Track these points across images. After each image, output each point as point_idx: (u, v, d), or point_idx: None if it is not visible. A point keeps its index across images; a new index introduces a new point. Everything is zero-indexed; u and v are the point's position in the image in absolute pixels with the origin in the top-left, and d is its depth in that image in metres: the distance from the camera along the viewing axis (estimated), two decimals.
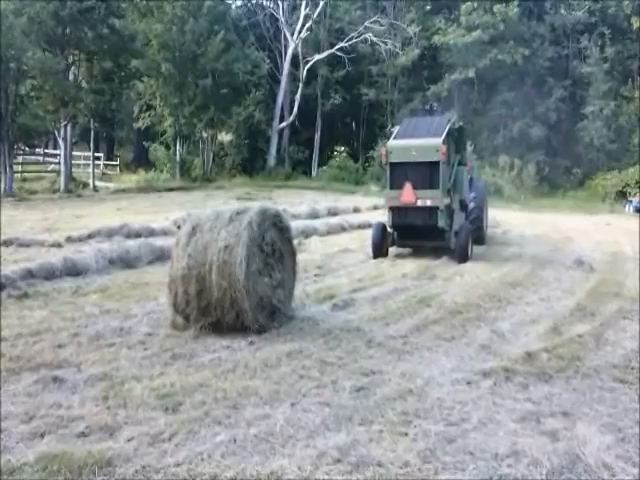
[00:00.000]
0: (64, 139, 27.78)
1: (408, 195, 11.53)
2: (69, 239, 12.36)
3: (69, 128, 27.89)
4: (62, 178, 27.64)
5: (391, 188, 11.89)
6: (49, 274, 9.15)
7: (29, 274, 8.88)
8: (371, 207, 22.61)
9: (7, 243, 11.64)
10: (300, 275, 8.14)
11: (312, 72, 38.64)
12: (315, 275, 10.07)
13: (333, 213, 19.66)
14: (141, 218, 16.13)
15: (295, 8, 40.20)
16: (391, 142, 12.05)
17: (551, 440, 4.20)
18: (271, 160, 38.69)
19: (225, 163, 38.10)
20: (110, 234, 12.87)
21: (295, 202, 22.20)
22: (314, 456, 3.89)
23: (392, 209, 12.01)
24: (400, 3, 39.79)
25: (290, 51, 38.44)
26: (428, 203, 11.51)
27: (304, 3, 38.38)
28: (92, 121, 31.13)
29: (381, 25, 37.05)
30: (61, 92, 25.66)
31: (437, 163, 11.45)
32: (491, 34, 36.02)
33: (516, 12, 35.82)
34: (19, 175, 30.98)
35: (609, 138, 35.04)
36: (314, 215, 18.57)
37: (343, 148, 41.89)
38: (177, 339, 6.38)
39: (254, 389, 4.98)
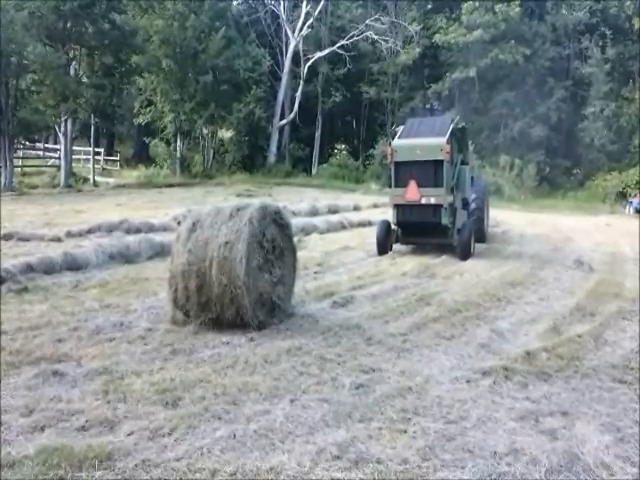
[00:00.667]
0: (64, 134, 27.75)
1: (412, 193, 11.80)
2: (69, 234, 12.36)
3: (69, 123, 27.86)
4: (62, 173, 27.63)
5: (396, 186, 12.12)
6: (49, 268, 9.15)
7: (29, 268, 8.89)
8: (371, 205, 22.65)
9: (7, 237, 11.65)
10: (300, 272, 8.16)
11: (313, 69, 38.62)
12: (315, 272, 10.08)
13: (333, 211, 19.67)
14: (141, 214, 16.13)
15: (296, 5, 40.15)
16: (396, 141, 12.29)
17: (550, 439, 4.21)
18: (271, 157, 38.68)
19: (225, 160, 38.10)
20: (110, 229, 12.87)
21: (295, 199, 22.18)
22: (313, 452, 3.90)
23: (397, 206, 12.23)
24: (401, 2, 39.76)
25: (291, 48, 38.41)
26: (432, 201, 11.76)
27: (305, 0, 38.35)
28: (92, 116, 31.11)
29: (382, 23, 37.02)
30: (62, 87, 25.63)
31: (441, 162, 11.71)
32: (492, 33, 35.99)
33: (517, 12, 35.80)
34: (19, 169, 30.97)
35: (610, 139, 35.04)
36: (314, 212, 18.59)
37: (343, 146, 41.95)
38: (177, 334, 6.39)
39: (254, 385, 4.99)
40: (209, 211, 7.04)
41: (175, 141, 34.90)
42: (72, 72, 27.76)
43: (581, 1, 37.27)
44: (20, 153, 34.55)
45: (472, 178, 14.12)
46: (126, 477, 3.59)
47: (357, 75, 39.62)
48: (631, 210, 28.34)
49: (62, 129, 27.86)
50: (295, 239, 7.73)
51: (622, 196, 31.51)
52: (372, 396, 4.87)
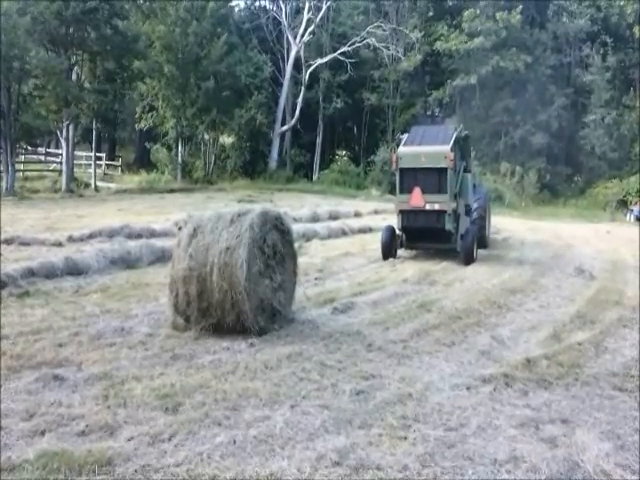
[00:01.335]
0: (66, 139, 27.77)
1: (417, 199, 12.09)
2: (70, 239, 12.36)
3: (71, 128, 27.88)
4: (64, 178, 27.62)
5: (401, 192, 12.42)
6: (50, 273, 9.16)
7: (30, 273, 8.89)
8: (372, 211, 22.67)
9: (8, 242, 11.64)
10: (301, 278, 8.17)
11: (314, 76, 38.71)
12: (316, 278, 10.08)
13: (334, 217, 19.67)
14: (142, 219, 16.14)
15: (298, 12, 40.29)
16: (401, 149, 12.55)
17: (550, 447, 4.21)
18: (272, 163, 38.73)
19: (226, 165, 38.12)
20: (111, 234, 12.86)
21: (296, 205, 22.21)
22: (313, 458, 3.90)
23: (402, 212, 12.51)
24: (403, 9, 39.88)
25: (292, 54, 38.52)
26: (436, 207, 12.06)
27: (307, 7, 38.47)
28: (94, 121, 31.14)
29: (384, 30, 37.13)
30: (64, 92, 25.65)
31: (445, 169, 12.00)
32: (493, 41, 36.13)
33: (519, 19, 35.93)
34: (21, 174, 30.96)
35: (610, 147, 35.11)
36: (315, 218, 18.60)
37: (344, 152, 41.97)
38: (177, 340, 6.39)
39: (254, 391, 4.99)
40: (210, 216, 7.05)
41: (176, 146, 34.92)
42: (74, 77, 27.79)
43: (582, 9, 37.39)
44: (22, 158, 34.56)
45: (474, 185, 14.32)
46: None
47: (358, 81, 39.71)
48: (632, 218, 28.35)
49: (64, 134, 27.88)
50: (296, 245, 7.75)
51: (623, 204, 31.55)
52: (372, 402, 4.87)
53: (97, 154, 33.74)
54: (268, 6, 42.43)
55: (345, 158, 40.71)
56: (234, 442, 4.09)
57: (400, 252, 13.10)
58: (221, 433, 4.22)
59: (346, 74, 37.97)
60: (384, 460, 3.92)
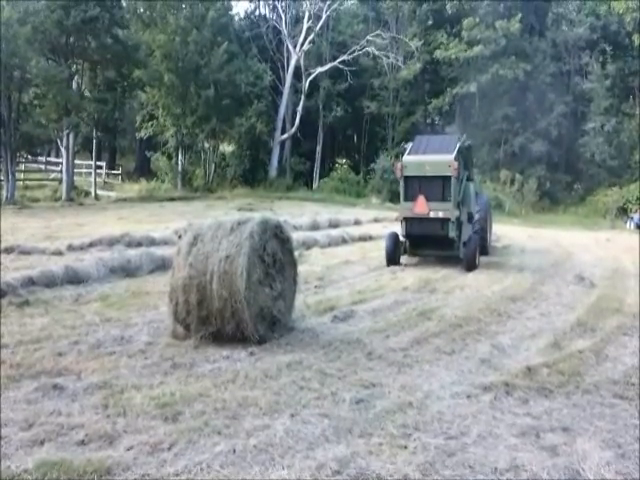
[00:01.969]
0: (66, 147, 27.84)
1: (421, 207, 12.36)
2: (70, 247, 12.36)
3: (71, 137, 27.94)
4: (64, 186, 27.66)
5: (405, 200, 12.69)
6: (50, 282, 9.14)
7: (30, 282, 8.88)
8: (372, 219, 22.68)
9: (8, 250, 11.63)
10: (301, 286, 8.16)
11: (314, 84, 38.84)
12: (316, 286, 10.08)
13: (334, 225, 19.68)
14: (142, 227, 16.15)
15: (298, 21, 40.46)
16: (406, 157, 12.83)
17: (551, 455, 4.20)
18: (272, 171, 38.79)
19: (226, 174, 38.19)
20: (111, 243, 12.87)
21: (296, 213, 22.22)
22: (313, 467, 3.89)
23: (406, 220, 12.74)
24: (402, 17, 40.05)
25: (292, 63, 38.65)
26: (440, 215, 12.32)
27: (307, 16, 38.66)
28: (94, 130, 31.23)
29: (383, 39, 37.26)
30: (64, 101, 25.74)
31: (449, 178, 12.25)
32: (493, 49, 36.23)
33: (518, 28, 36.03)
34: (21, 183, 31.01)
35: (610, 154, 35.15)
36: (315, 227, 18.60)
37: (344, 160, 42.08)
38: (177, 348, 6.38)
39: (254, 399, 4.98)
40: (210, 225, 7.05)
41: (177, 155, 35.00)
42: (75, 86, 27.89)
43: (581, 17, 37.53)
44: (22, 166, 34.63)
45: (476, 193, 14.52)
46: None
47: (358, 90, 39.84)
48: (632, 225, 28.35)
49: (64, 143, 27.94)
50: (296, 253, 7.74)
51: (623, 211, 31.56)
52: (372, 411, 4.86)
53: (97, 163, 33.80)
54: (268, 15, 42.63)
55: (345, 166, 40.82)
56: (234, 451, 4.08)
57: (402, 259, 13.17)
58: (221, 442, 4.21)
59: (346, 82, 38.11)
60: (384, 469, 3.91)
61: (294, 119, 38.91)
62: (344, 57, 37.58)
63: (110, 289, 9.34)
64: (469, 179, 13.79)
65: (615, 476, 3.91)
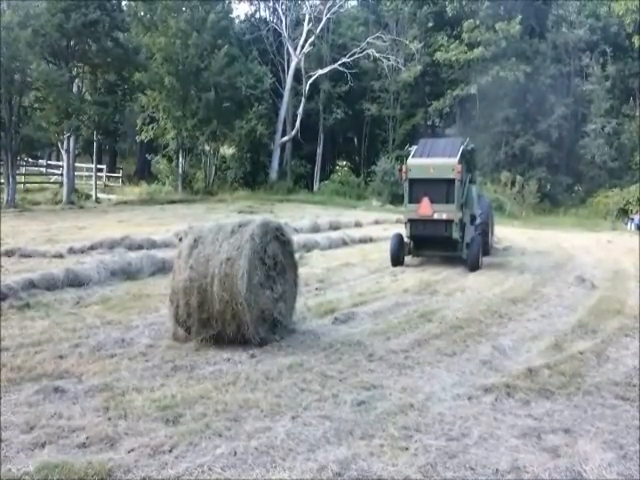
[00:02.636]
0: (67, 151, 27.88)
1: (426, 208, 12.58)
2: (71, 250, 12.36)
3: (72, 140, 27.99)
4: (64, 189, 27.71)
5: (410, 202, 12.91)
6: (51, 285, 9.13)
7: (31, 284, 8.88)
8: (372, 222, 22.69)
9: (9, 253, 11.65)
10: (301, 288, 8.16)
11: (315, 87, 38.87)
12: (316, 289, 10.08)
13: (335, 227, 19.69)
14: (143, 230, 16.16)
15: (298, 23, 40.51)
16: (410, 160, 13.03)
17: (552, 457, 4.19)
18: (273, 174, 38.80)
19: (227, 176, 38.22)
20: (112, 246, 12.87)
21: (297, 216, 22.23)
22: (314, 469, 3.88)
23: (410, 221, 13.00)
24: (403, 20, 40.09)
25: (293, 66, 38.69)
26: (444, 216, 12.56)
27: (307, 18, 38.72)
28: (95, 133, 31.27)
29: (383, 41, 37.30)
30: (65, 104, 25.77)
31: (453, 180, 12.50)
32: (493, 51, 36.27)
33: (518, 30, 36.06)
34: (22, 186, 31.07)
35: (611, 156, 35.15)
36: (315, 229, 18.60)
37: (345, 163, 42.10)
38: (178, 351, 6.38)
39: (255, 402, 4.98)
40: (211, 227, 7.05)
41: (177, 158, 35.01)
42: (75, 89, 27.93)
43: (581, 19, 37.56)
44: (23, 170, 34.66)
45: (478, 196, 14.82)
46: None
47: (359, 92, 39.87)
48: (633, 227, 28.32)
49: (65, 146, 27.98)
50: (296, 255, 7.74)
51: (623, 213, 31.54)
52: (373, 413, 4.86)
53: (98, 166, 33.85)
54: (268, 18, 42.69)
55: (345, 169, 40.86)
56: (235, 453, 4.07)
57: (405, 260, 13.32)
58: (222, 444, 4.21)
59: (346, 85, 38.14)
60: (385, 471, 3.91)
61: (294, 122, 38.93)
62: (344, 59, 37.61)
63: (111, 292, 9.34)
64: (472, 181, 14.07)
65: (617, 477, 3.91)
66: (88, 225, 18.23)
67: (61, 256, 11.84)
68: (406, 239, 13.23)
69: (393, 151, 38.52)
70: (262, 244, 6.71)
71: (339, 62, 37.89)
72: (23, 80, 25.30)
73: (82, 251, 12.46)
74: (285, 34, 38.95)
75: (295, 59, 38.46)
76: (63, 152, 28.65)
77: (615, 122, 35.32)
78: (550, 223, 28.77)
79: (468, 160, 13.74)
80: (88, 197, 29.51)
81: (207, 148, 36.16)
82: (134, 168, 47.16)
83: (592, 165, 36.26)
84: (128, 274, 10.47)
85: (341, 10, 42.01)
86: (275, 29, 39.96)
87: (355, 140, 45.62)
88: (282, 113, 39.05)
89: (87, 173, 35.81)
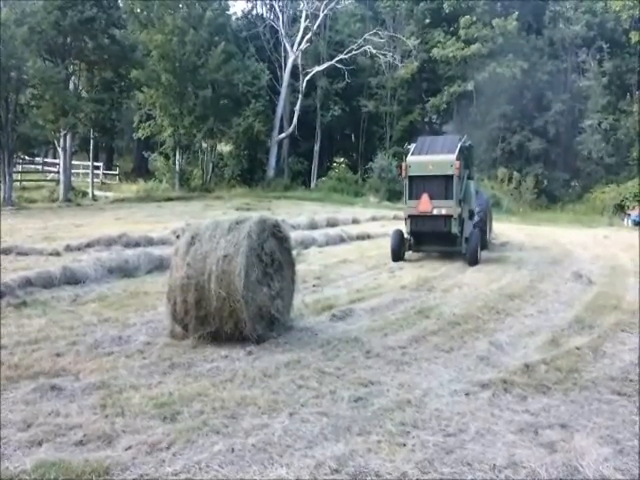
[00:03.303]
0: (64, 148, 27.81)
1: (425, 205, 12.82)
2: (68, 248, 12.35)
3: (69, 137, 27.92)
4: (61, 187, 27.66)
5: (410, 199, 13.13)
6: (48, 283, 9.14)
7: (28, 283, 8.88)
8: (370, 218, 22.68)
9: (6, 252, 11.63)
10: (299, 285, 8.15)
11: (312, 84, 38.82)
12: (314, 285, 10.08)
13: (332, 224, 19.67)
14: (140, 227, 16.14)
15: (295, 20, 40.48)
16: (410, 158, 13.28)
17: (549, 452, 4.20)
18: (270, 171, 38.77)
19: (224, 173, 38.19)
20: (109, 243, 12.86)
21: (294, 213, 22.23)
22: (312, 466, 3.89)
23: (410, 217, 13.22)
24: (399, 16, 40.06)
25: (290, 62, 38.63)
26: (443, 212, 12.83)
27: (304, 15, 38.66)
28: (92, 131, 31.19)
29: (380, 38, 37.27)
30: (61, 101, 25.68)
31: (451, 177, 12.76)
32: (490, 47, 36.26)
33: (515, 26, 36.05)
34: (18, 184, 31.00)
35: (607, 152, 35.17)
36: (313, 226, 18.60)
37: (342, 159, 42.00)
38: (176, 348, 6.38)
39: (252, 399, 4.98)
40: (208, 225, 7.04)
41: (174, 155, 34.96)
42: (72, 87, 27.84)
43: (578, 15, 37.55)
44: (19, 168, 34.58)
45: (476, 191, 15.00)
46: None
47: (356, 89, 39.83)
48: (629, 223, 28.36)
49: (61, 143, 27.92)
50: (294, 252, 7.74)
51: (620, 209, 31.56)
52: (371, 409, 4.86)
53: (95, 163, 33.80)
54: (265, 14, 42.60)
55: (343, 165, 40.77)
56: (232, 450, 4.08)
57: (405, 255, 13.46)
58: (219, 441, 4.21)
59: (343, 81, 38.10)
60: (383, 467, 3.92)
61: (292, 118, 38.88)
62: (341, 56, 37.55)
63: (108, 289, 9.34)
64: (470, 177, 14.27)
65: (613, 472, 3.92)
66: (85, 223, 18.21)
67: (58, 254, 11.82)
68: (406, 235, 13.42)
69: (390, 148, 38.53)
70: (259, 241, 6.71)
71: (336, 59, 37.83)
72: (19, 78, 25.24)
73: (79, 249, 12.46)
74: (282, 31, 38.88)
75: (292, 56, 38.41)
76: (60, 150, 28.58)
77: (612, 118, 35.34)
78: (547, 219, 28.79)
79: (466, 157, 13.98)
80: (85, 195, 29.45)
81: (204, 145, 36.13)
82: (131, 166, 47.12)
83: (589, 161, 36.30)
84: (125, 272, 10.48)
85: (338, 7, 41.97)
86: (272, 26, 39.90)
87: (352, 137, 45.58)
88: (279, 110, 39.01)
89: (84, 171, 35.76)
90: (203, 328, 6.53)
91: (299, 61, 38.52)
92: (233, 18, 41.52)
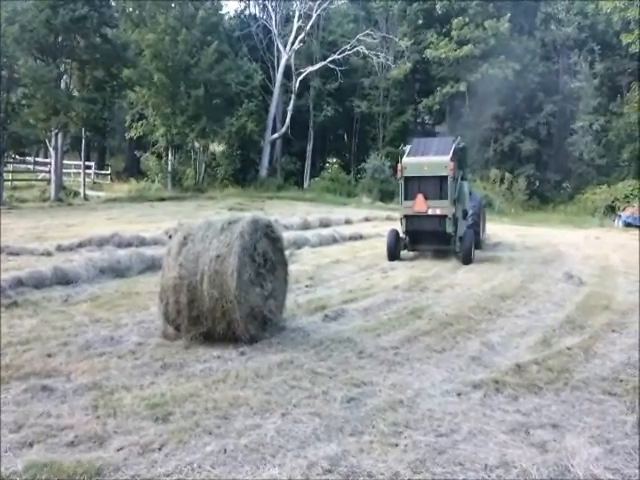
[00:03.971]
0: (55, 148, 27.68)
1: (420, 205, 13.13)
2: (59, 248, 12.28)
3: (60, 137, 27.79)
4: (53, 187, 27.52)
5: (405, 199, 13.47)
6: (39, 283, 9.09)
7: (19, 283, 8.82)
8: (363, 219, 22.72)
9: None
10: (291, 286, 8.15)
11: (305, 84, 38.85)
12: (306, 286, 10.08)
13: (325, 224, 19.69)
14: (132, 227, 16.08)
15: (288, 20, 40.47)
16: (405, 159, 13.59)
17: (540, 452, 4.22)
18: (263, 171, 38.76)
19: (217, 173, 38.14)
20: (101, 243, 12.80)
21: (287, 213, 22.22)
22: (304, 466, 3.89)
23: (406, 217, 13.55)
24: (392, 17, 40.14)
25: (283, 63, 38.64)
26: (438, 212, 13.15)
27: (297, 15, 38.68)
28: (83, 130, 31.07)
29: (373, 38, 37.34)
30: (53, 100, 25.57)
31: (446, 177, 13.09)
32: (482, 49, 36.41)
33: (507, 27, 36.21)
34: (9, 183, 30.83)
35: (599, 153, 35.37)
36: (306, 226, 18.61)
37: (335, 160, 42.04)
38: (168, 349, 6.36)
39: (245, 399, 4.98)
40: (200, 225, 7.03)
41: (167, 155, 34.89)
42: (63, 86, 27.72)
43: (570, 17, 37.73)
44: (10, 167, 34.37)
45: (470, 192, 15.32)
46: None
47: (349, 89, 39.89)
48: (620, 223, 28.52)
49: (53, 143, 27.79)
50: (287, 252, 7.73)
51: (611, 209, 31.75)
52: (363, 409, 4.87)
53: (86, 163, 33.68)
54: (258, 14, 42.60)
55: (336, 166, 40.82)
56: (225, 451, 4.07)
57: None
58: (212, 442, 4.20)
59: (336, 82, 38.17)
60: (375, 467, 3.92)
61: (285, 119, 38.89)
62: (334, 56, 37.61)
63: (100, 290, 9.30)
64: (463, 178, 14.54)
65: (604, 472, 3.94)
66: (77, 223, 18.12)
67: (49, 254, 11.76)
68: (402, 234, 13.66)
69: (383, 148, 38.59)
70: (252, 241, 6.70)
71: (329, 59, 37.89)
72: (10, 76, 25.11)
73: (71, 249, 12.39)
74: (275, 31, 38.88)
75: (285, 56, 38.42)
76: (51, 149, 28.45)
77: (603, 119, 35.54)
78: (539, 220, 28.92)
79: (460, 158, 14.21)
80: (76, 194, 29.31)
81: (197, 145, 36.06)
82: (123, 165, 46.97)
83: (580, 162, 36.50)
84: (117, 272, 10.43)
85: (331, 7, 42.04)
86: (265, 26, 39.89)
87: (345, 137, 45.65)
88: (272, 110, 39.00)
89: (75, 170, 35.58)
90: (195, 328, 6.52)
91: (292, 61, 38.54)
92: (226, 18, 41.48)
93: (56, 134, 27.34)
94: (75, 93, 28.55)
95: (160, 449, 4.09)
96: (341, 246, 15.70)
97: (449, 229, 13.21)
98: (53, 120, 26.05)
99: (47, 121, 26.30)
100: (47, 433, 4.28)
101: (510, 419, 4.78)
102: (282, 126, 38.98)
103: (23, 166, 39.12)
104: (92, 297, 8.77)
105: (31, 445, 4.10)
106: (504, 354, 6.59)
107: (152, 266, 10.76)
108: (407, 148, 14.15)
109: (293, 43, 38.28)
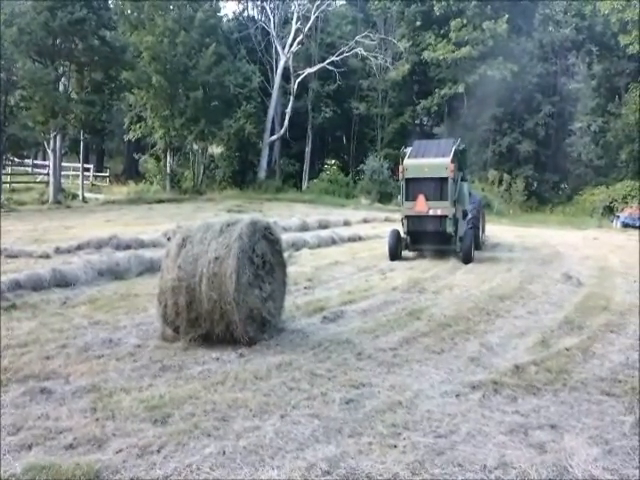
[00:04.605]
0: (53, 150, 27.67)
1: (421, 205, 13.39)
2: (58, 250, 12.26)
3: (59, 139, 27.78)
4: (51, 189, 27.50)
5: (406, 200, 13.70)
6: (37, 285, 9.08)
7: (17, 285, 8.81)
8: (361, 220, 22.73)
9: None
10: (290, 287, 8.15)
11: (303, 85, 38.86)
12: (305, 287, 10.08)
13: (323, 226, 19.70)
14: (131, 230, 16.08)
15: (286, 22, 40.48)
16: (406, 161, 13.81)
17: (539, 452, 4.23)
18: (262, 173, 38.75)
19: (216, 175, 38.12)
20: (99, 245, 12.78)
21: (285, 215, 22.22)
22: (303, 468, 3.89)
23: (407, 217, 13.82)
24: (391, 19, 40.16)
25: (281, 64, 38.66)
26: (438, 212, 13.40)
27: (295, 17, 38.71)
28: (82, 132, 31.04)
29: (372, 40, 37.37)
30: (51, 103, 25.57)
31: (446, 179, 13.32)
32: (480, 50, 36.44)
33: (505, 29, 36.23)
34: (8, 186, 30.82)
35: (597, 154, 35.43)
36: (304, 228, 18.61)
37: (334, 161, 42.12)
38: (166, 351, 6.36)
39: (244, 401, 4.97)
40: (199, 227, 7.03)
41: (165, 157, 34.87)
42: (62, 88, 27.72)
43: (568, 18, 37.79)
44: (9, 169, 34.39)
45: (469, 193, 15.52)
46: None
47: (347, 91, 39.91)
48: (618, 224, 28.56)
49: (51, 145, 27.77)
50: (285, 254, 7.72)
51: (609, 210, 31.80)
52: (362, 411, 4.87)
53: (85, 165, 33.63)
54: (257, 16, 42.64)
55: (334, 167, 40.85)
56: (224, 453, 4.07)
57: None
58: (210, 444, 4.20)
59: (335, 84, 38.19)
60: (374, 469, 3.92)
61: (283, 120, 38.90)
62: (333, 58, 37.64)
63: (98, 292, 9.29)
64: (463, 179, 14.74)
65: (602, 472, 3.95)
66: (75, 225, 18.11)
67: (48, 256, 11.74)
68: (403, 235, 13.90)
69: (382, 150, 38.62)
70: (251, 243, 6.69)
71: (327, 61, 37.91)
72: (9, 79, 25.14)
73: (69, 251, 12.37)
74: (273, 33, 38.90)
75: (283, 58, 38.44)
76: (49, 151, 28.43)
77: (601, 120, 35.60)
78: (537, 221, 28.94)
79: (460, 159, 14.38)
80: (75, 197, 29.30)
81: (195, 147, 36.04)
82: (121, 167, 46.97)
83: (578, 163, 36.55)
84: (116, 274, 10.43)
85: (329, 9, 42.08)
86: (263, 28, 39.92)
87: (344, 139, 45.67)
88: (271, 112, 39.02)
89: (74, 172, 35.55)
90: (194, 330, 6.52)
91: (290, 63, 38.56)
92: (224, 20, 41.51)
93: (54, 136, 27.33)
94: (73, 95, 28.54)
95: (159, 451, 4.08)
96: (340, 247, 15.71)
97: (449, 229, 13.41)
98: (51, 122, 26.05)
99: (45, 123, 26.29)
100: (46, 435, 4.27)
101: (509, 420, 4.78)
102: (281, 128, 39.00)
103: (21, 168, 39.13)
104: (91, 299, 8.76)
105: (30, 447, 4.10)
106: (503, 355, 6.60)
107: (151, 268, 10.75)
108: (408, 150, 14.33)
109: (291, 45, 38.31)
